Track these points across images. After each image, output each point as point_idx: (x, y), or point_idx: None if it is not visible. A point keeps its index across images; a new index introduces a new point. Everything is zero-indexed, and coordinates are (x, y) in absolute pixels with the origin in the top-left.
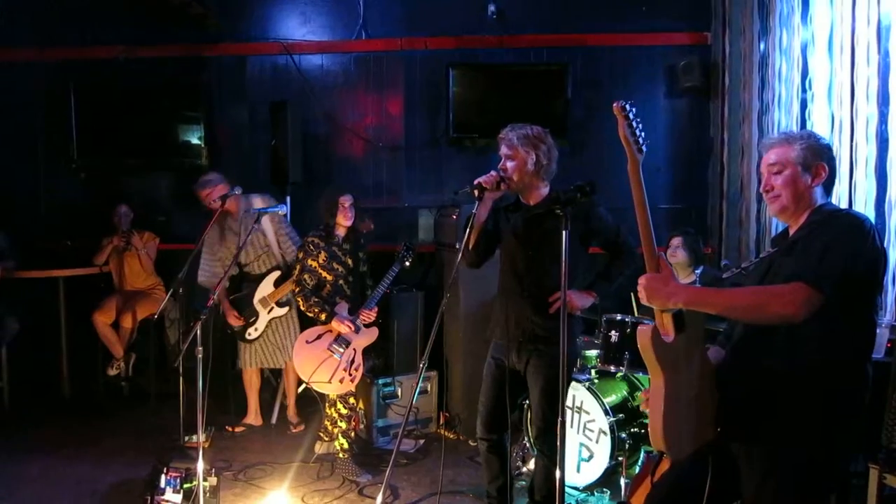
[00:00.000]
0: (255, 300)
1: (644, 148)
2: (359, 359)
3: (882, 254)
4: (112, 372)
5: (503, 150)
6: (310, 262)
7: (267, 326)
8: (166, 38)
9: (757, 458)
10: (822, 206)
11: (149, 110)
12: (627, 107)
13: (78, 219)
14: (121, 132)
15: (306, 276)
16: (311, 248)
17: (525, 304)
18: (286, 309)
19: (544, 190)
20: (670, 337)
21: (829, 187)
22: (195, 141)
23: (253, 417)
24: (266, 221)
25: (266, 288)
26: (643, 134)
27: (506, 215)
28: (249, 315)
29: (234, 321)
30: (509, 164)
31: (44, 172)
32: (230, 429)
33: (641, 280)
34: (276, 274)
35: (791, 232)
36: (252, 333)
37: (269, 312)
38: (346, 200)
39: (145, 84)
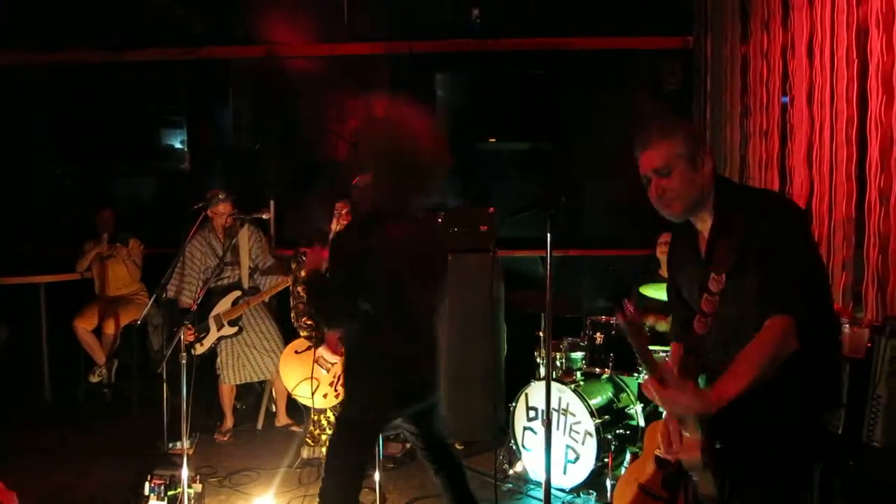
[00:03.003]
0: (211, 315)
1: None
2: None
3: (811, 236)
4: (94, 378)
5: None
6: (304, 273)
7: (229, 343)
8: (150, 41)
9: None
10: (718, 185)
11: (131, 114)
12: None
13: (59, 224)
14: (103, 136)
15: (300, 289)
16: (304, 259)
17: None
18: (235, 329)
19: None
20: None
21: (714, 169)
22: (178, 145)
23: (228, 423)
24: (244, 231)
25: (223, 305)
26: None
27: None
28: (200, 330)
29: (188, 336)
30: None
31: (25, 176)
32: (220, 437)
33: (661, 395)
34: (237, 294)
35: (699, 225)
36: (197, 349)
37: (219, 330)
38: (342, 207)
39: (128, 88)
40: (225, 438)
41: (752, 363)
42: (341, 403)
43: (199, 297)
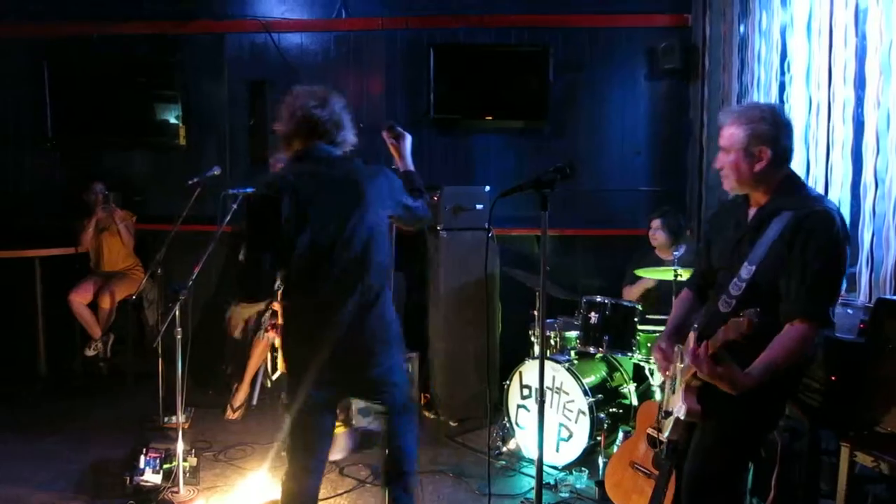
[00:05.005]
0: None
1: None
2: None
3: (848, 245)
4: (90, 353)
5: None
6: None
7: None
8: (143, 14)
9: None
10: (783, 182)
11: (125, 88)
12: None
13: (53, 198)
14: (97, 110)
15: None
16: None
17: None
18: None
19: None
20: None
21: (784, 163)
22: (173, 120)
23: (242, 396)
24: None
25: None
26: None
27: None
28: None
29: None
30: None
31: (18, 150)
32: (231, 415)
33: (711, 370)
34: None
35: (752, 205)
36: None
37: None
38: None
39: (122, 61)
40: (235, 416)
41: (778, 355)
42: None
43: None
